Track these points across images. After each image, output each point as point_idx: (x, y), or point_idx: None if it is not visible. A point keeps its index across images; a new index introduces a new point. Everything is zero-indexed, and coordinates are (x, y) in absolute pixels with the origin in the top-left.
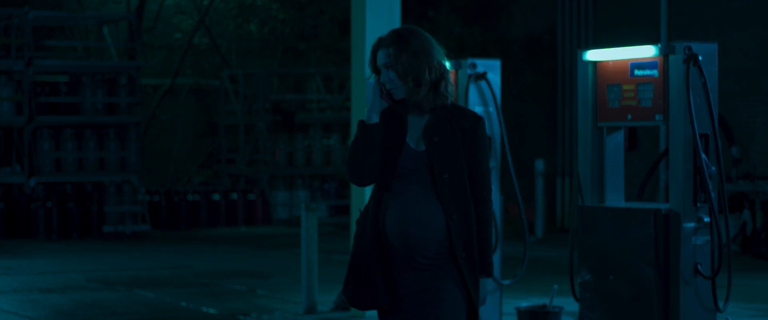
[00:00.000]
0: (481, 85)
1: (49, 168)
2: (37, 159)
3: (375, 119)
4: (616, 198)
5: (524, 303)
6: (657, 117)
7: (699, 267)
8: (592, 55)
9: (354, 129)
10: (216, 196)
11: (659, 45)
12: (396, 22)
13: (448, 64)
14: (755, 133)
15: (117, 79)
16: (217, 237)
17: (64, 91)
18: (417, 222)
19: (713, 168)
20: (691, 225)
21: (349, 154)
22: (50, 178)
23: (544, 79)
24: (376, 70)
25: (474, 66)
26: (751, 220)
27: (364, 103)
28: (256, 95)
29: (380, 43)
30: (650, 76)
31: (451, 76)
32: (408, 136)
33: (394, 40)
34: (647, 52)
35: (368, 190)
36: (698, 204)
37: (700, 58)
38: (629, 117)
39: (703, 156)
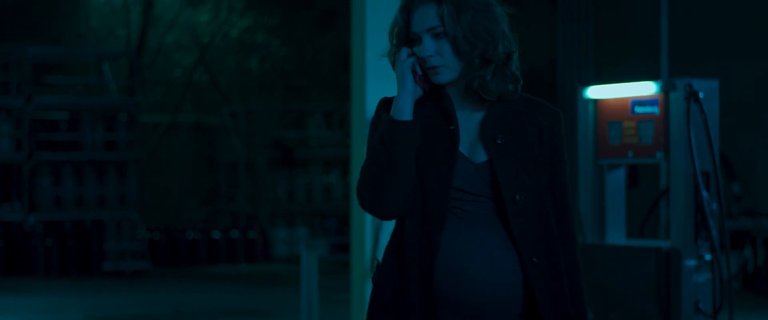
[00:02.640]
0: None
1: (49, 205)
2: (37, 196)
3: (407, 114)
4: (617, 236)
5: None
6: (658, 154)
7: (700, 304)
8: (593, 92)
9: (357, 164)
10: (216, 233)
11: (660, 81)
12: None
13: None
14: (757, 169)
15: (117, 116)
16: (217, 274)
17: (63, 127)
18: (480, 274)
19: (714, 205)
20: (693, 262)
21: (365, 168)
22: (49, 215)
23: None
24: (405, 42)
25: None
26: (753, 257)
27: (364, 140)
28: (257, 131)
29: (412, 2)
30: (651, 113)
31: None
32: (459, 142)
33: None
34: (648, 88)
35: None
36: (699, 242)
37: (701, 94)
38: (630, 154)
39: (705, 193)
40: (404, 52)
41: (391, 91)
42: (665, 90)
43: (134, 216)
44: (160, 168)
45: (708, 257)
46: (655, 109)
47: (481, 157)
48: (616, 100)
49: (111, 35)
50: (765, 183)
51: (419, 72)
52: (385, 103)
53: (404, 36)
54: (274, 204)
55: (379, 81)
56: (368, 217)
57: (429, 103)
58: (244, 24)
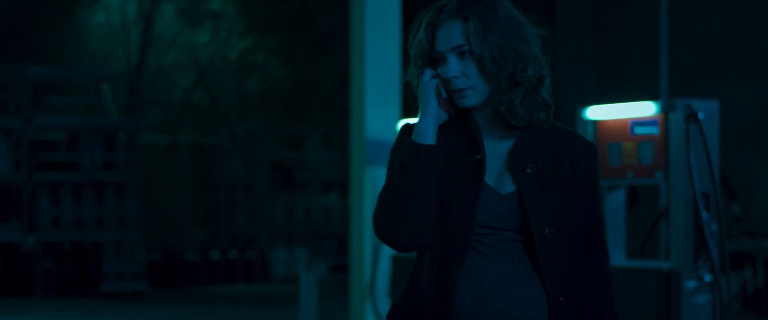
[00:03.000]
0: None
1: (48, 226)
2: (35, 216)
3: (430, 139)
4: (617, 256)
5: None
6: (658, 175)
7: None
8: (592, 113)
9: (357, 185)
10: (215, 254)
11: (659, 102)
12: (395, 79)
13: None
14: (757, 189)
15: (116, 137)
16: (216, 295)
17: (62, 148)
18: (501, 315)
19: (714, 226)
20: (693, 283)
21: (383, 195)
22: (48, 236)
23: None
24: (429, 61)
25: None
26: (753, 278)
27: (364, 162)
28: (256, 153)
29: (440, 14)
30: (651, 134)
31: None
32: (485, 171)
33: (473, 8)
34: (647, 109)
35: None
36: (699, 263)
37: (701, 115)
38: (630, 175)
39: (705, 214)
40: (428, 73)
41: (390, 114)
42: (665, 110)
43: (133, 237)
44: (160, 189)
45: (708, 278)
46: (655, 130)
47: (509, 187)
48: (615, 120)
49: (110, 56)
50: (765, 204)
51: (444, 95)
52: (408, 129)
53: (427, 55)
54: (273, 225)
55: (379, 103)
56: (367, 239)
57: (454, 128)
58: (244, 45)
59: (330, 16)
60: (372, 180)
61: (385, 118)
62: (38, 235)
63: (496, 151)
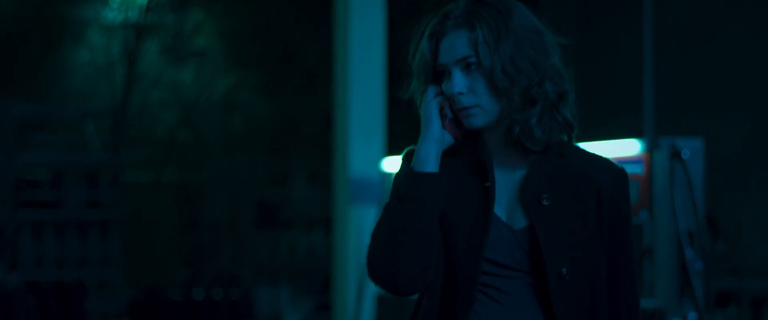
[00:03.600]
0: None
1: (30, 265)
2: (18, 255)
3: (431, 165)
4: None
5: None
6: (642, 213)
7: None
8: None
9: (341, 224)
10: (199, 293)
11: (644, 140)
12: (380, 116)
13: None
14: (742, 227)
15: (100, 174)
16: None
17: (46, 186)
18: None
19: (699, 264)
20: None
21: (377, 231)
22: (31, 275)
23: None
24: (433, 77)
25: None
26: (738, 317)
27: (348, 200)
28: (240, 190)
29: (446, 22)
30: (635, 172)
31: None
32: (495, 203)
33: (482, 14)
34: (632, 148)
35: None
36: (684, 301)
37: (686, 153)
38: None
39: (689, 252)
40: (431, 90)
41: (374, 151)
42: (649, 149)
43: (116, 276)
44: (143, 228)
45: (693, 317)
46: (640, 169)
47: (522, 221)
48: None
49: (95, 94)
50: (750, 242)
51: (449, 115)
52: (410, 154)
53: (431, 69)
54: (256, 264)
55: (362, 140)
56: (351, 278)
57: (461, 154)
58: (228, 82)
59: (314, 52)
60: (356, 219)
61: (368, 156)
62: (21, 274)
63: (509, 179)
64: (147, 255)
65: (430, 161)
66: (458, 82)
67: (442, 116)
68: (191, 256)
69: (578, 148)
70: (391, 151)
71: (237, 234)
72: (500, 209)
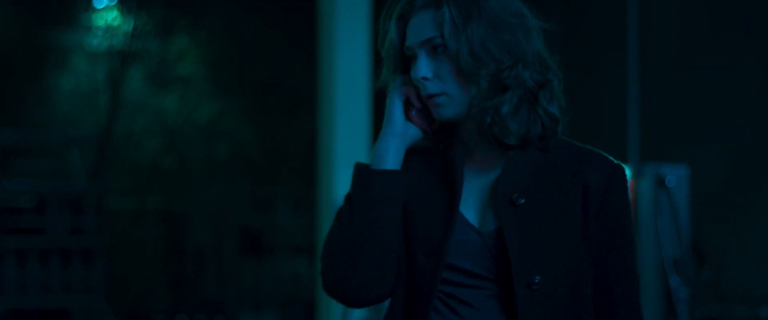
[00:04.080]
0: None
1: (13, 292)
2: (1, 282)
3: (390, 162)
4: None
5: None
6: None
7: None
8: None
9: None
10: None
11: (628, 167)
12: (364, 142)
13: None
14: (728, 254)
15: (83, 201)
16: None
17: (29, 213)
18: None
19: (684, 291)
20: None
21: (328, 239)
22: (14, 302)
23: None
24: (401, 63)
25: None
26: None
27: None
28: (224, 217)
29: (415, 1)
30: None
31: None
32: (462, 202)
33: None
34: None
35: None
36: None
37: (671, 180)
38: None
39: (675, 279)
40: (398, 79)
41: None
42: (634, 176)
43: (100, 304)
44: (127, 254)
45: None
46: None
47: (491, 224)
48: None
49: (79, 120)
50: (736, 269)
51: (417, 104)
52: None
53: (399, 54)
54: (241, 291)
55: (347, 167)
56: (335, 304)
57: (436, 151)
58: (212, 109)
59: (298, 79)
60: None
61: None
62: (4, 301)
63: (484, 178)
64: (131, 282)
65: (388, 157)
66: (422, 65)
67: (407, 107)
68: (175, 283)
69: (567, 142)
70: None
71: (221, 261)
72: (470, 211)
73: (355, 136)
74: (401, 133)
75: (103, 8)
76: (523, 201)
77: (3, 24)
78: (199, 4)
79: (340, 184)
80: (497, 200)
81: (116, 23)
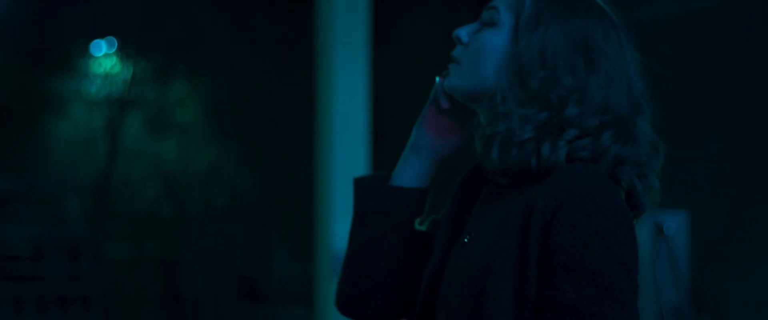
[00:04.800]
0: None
1: None
2: None
3: (399, 178)
4: None
5: None
6: None
7: None
8: None
9: (322, 297)
10: None
11: None
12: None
13: None
14: (728, 301)
15: (81, 248)
16: None
17: (26, 260)
18: None
19: None
20: None
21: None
22: None
23: None
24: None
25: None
26: None
27: (331, 274)
28: (222, 264)
29: None
30: None
31: None
32: (470, 223)
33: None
34: None
35: None
36: None
37: (670, 228)
38: None
39: None
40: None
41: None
42: None
43: None
44: (125, 302)
45: None
46: None
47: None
48: None
49: (76, 167)
50: (736, 315)
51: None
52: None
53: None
54: None
55: (345, 213)
56: None
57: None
58: (211, 155)
59: (297, 125)
60: None
61: None
62: None
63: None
64: None
65: (396, 171)
66: (469, 27)
67: (438, 97)
68: None
69: (567, 168)
70: None
71: (218, 309)
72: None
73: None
74: (417, 143)
75: (102, 55)
76: (467, 238)
77: (0, 70)
78: (198, 51)
79: (338, 231)
80: (457, 240)
81: (115, 70)
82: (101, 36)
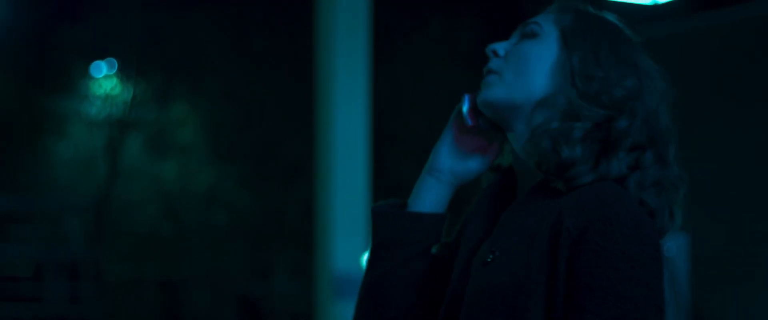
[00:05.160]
0: None
1: None
2: None
3: (417, 203)
4: None
5: None
6: None
7: None
8: None
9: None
10: None
11: None
12: (362, 210)
13: None
14: None
15: (81, 269)
16: None
17: (26, 280)
18: None
19: None
20: None
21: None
22: None
23: None
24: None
25: None
26: None
27: (331, 294)
28: (222, 285)
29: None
30: None
31: None
32: (489, 239)
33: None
34: None
35: None
36: None
37: (670, 250)
38: None
39: None
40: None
41: (357, 245)
42: None
43: None
44: None
45: None
46: None
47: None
48: None
49: (77, 187)
50: None
51: (467, 95)
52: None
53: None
54: None
55: (345, 234)
56: None
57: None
58: (211, 176)
59: (296, 146)
60: (339, 314)
61: (351, 250)
62: None
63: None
64: None
65: (413, 196)
66: (505, 43)
67: (470, 113)
68: None
69: (600, 184)
70: None
71: None
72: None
73: (354, 202)
74: (437, 167)
75: (102, 76)
76: (491, 257)
77: (2, 91)
78: (198, 72)
79: (339, 251)
80: (478, 258)
81: (115, 92)
82: (101, 57)
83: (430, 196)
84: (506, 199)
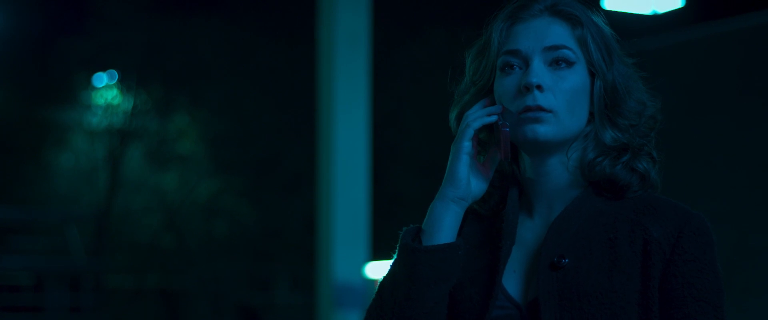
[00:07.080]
0: None
1: None
2: None
3: (447, 233)
4: None
5: None
6: None
7: None
8: None
9: None
10: None
11: None
12: (363, 221)
13: None
14: None
15: (82, 279)
16: None
17: (28, 291)
18: None
19: None
20: None
21: (368, 314)
22: None
23: None
24: (484, 89)
25: None
26: None
27: (332, 305)
28: (223, 296)
29: (533, 5)
30: None
31: None
32: (510, 265)
33: (589, 21)
34: None
35: None
36: None
37: None
38: None
39: None
40: (478, 105)
41: (357, 256)
42: None
43: None
44: None
45: None
46: None
47: (534, 292)
48: None
49: (78, 198)
50: None
51: (506, 127)
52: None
53: (491, 66)
54: None
55: (346, 245)
56: None
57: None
58: (212, 187)
59: (297, 158)
60: None
61: (352, 261)
62: None
63: (539, 230)
64: None
65: (443, 225)
66: (538, 71)
67: (499, 132)
68: None
69: (651, 195)
70: (375, 256)
71: None
72: (515, 277)
73: (354, 213)
74: (463, 195)
75: (103, 87)
76: (566, 261)
77: (3, 102)
78: (199, 83)
79: (339, 262)
80: (540, 263)
81: (116, 102)
82: (102, 68)
83: (455, 223)
84: (486, 218)
